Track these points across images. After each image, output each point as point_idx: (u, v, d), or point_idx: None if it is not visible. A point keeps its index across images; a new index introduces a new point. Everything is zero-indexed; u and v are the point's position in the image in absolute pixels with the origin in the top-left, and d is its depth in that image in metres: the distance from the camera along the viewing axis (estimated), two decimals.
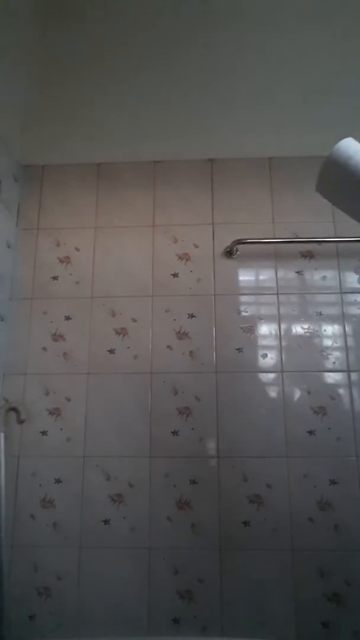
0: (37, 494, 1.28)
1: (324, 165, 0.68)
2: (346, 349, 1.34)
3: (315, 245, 1.40)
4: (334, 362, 1.33)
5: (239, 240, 1.37)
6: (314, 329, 1.35)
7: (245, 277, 1.41)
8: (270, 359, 1.34)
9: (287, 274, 1.41)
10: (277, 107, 1.24)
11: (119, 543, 1.24)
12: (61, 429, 1.32)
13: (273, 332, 1.36)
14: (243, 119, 1.29)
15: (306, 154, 1.46)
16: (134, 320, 1.39)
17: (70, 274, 1.43)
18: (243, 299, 1.39)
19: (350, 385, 1.31)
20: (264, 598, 1.20)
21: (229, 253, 1.42)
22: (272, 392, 1.32)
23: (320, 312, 1.37)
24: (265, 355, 1.34)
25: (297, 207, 1.44)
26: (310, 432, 1.28)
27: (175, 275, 1.42)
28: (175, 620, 1.20)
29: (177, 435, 1.30)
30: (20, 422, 1.31)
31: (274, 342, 1.35)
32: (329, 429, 1.28)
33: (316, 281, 1.39)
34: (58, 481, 1.29)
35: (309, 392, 1.31)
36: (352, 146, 0.63)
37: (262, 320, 1.37)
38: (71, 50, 1.05)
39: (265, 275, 1.41)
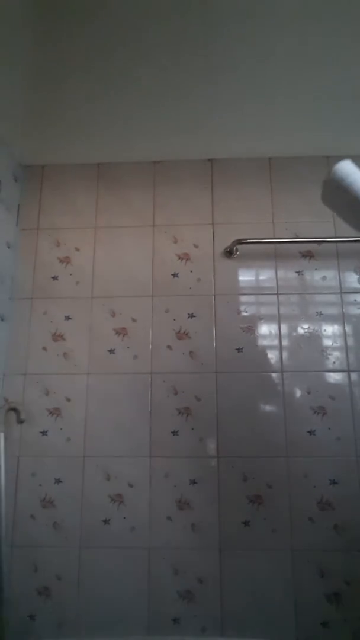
0: (37, 494, 1.28)
1: (324, 183, 0.84)
2: (346, 349, 1.34)
3: (315, 245, 1.40)
4: (334, 362, 1.33)
5: (239, 240, 1.37)
6: (314, 329, 1.36)
7: (245, 277, 1.41)
8: (270, 359, 1.34)
9: (287, 274, 1.41)
10: (277, 107, 1.24)
11: (119, 543, 1.24)
12: (61, 429, 1.32)
13: (273, 332, 1.36)
14: (243, 119, 1.29)
15: (306, 154, 1.46)
16: (134, 320, 1.39)
17: (70, 274, 1.43)
18: (243, 299, 1.39)
19: (350, 385, 1.31)
20: (264, 598, 1.20)
21: (229, 253, 1.42)
22: (272, 392, 1.32)
23: (320, 312, 1.37)
24: (265, 355, 1.34)
25: (297, 207, 1.44)
26: (310, 432, 1.28)
27: (175, 275, 1.42)
28: (175, 620, 1.20)
29: (177, 435, 1.30)
30: (20, 422, 1.31)
31: (274, 342, 1.35)
32: (329, 429, 1.28)
33: (316, 281, 1.39)
34: (58, 481, 1.29)
35: (309, 392, 1.31)
36: (349, 169, 0.80)
37: (262, 320, 1.37)
38: (71, 51, 1.05)
39: (265, 275, 1.41)
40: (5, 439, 1.27)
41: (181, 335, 1.37)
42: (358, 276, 1.39)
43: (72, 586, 1.23)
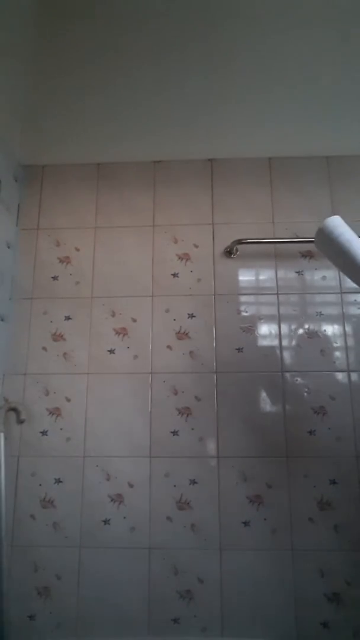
0: (37, 494, 1.28)
1: (316, 234, 0.98)
2: (346, 349, 1.34)
3: None
4: (334, 362, 1.33)
5: (239, 240, 1.37)
6: (314, 329, 1.36)
7: (245, 277, 1.41)
8: (270, 359, 1.34)
9: (287, 274, 1.41)
10: (277, 107, 1.24)
11: (119, 543, 1.24)
12: (61, 429, 1.32)
13: (273, 332, 1.36)
14: (243, 119, 1.29)
15: (306, 154, 1.46)
16: (134, 320, 1.39)
17: (70, 274, 1.43)
18: (243, 299, 1.39)
19: (350, 385, 1.31)
20: (264, 598, 1.20)
21: (229, 253, 1.42)
22: (272, 392, 1.32)
23: (320, 312, 1.37)
24: (265, 355, 1.34)
25: (297, 207, 1.44)
26: (310, 432, 1.28)
27: (175, 275, 1.42)
28: (175, 620, 1.20)
29: (177, 435, 1.30)
30: (20, 422, 1.31)
31: (274, 342, 1.35)
32: (329, 429, 1.28)
33: (316, 281, 1.39)
34: (58, 481, 1.29)
35: (309, 392, 1.31)
36: (336, 223, 0.93)
37: (262, 320, 1.37)
38: (71, 50, 1.05)
39: (265, 275, 1.41)
40: (5, 439, 1.27)
41: (181, 335, 1.37)
42: None
43: (72, 586, 1.23)
